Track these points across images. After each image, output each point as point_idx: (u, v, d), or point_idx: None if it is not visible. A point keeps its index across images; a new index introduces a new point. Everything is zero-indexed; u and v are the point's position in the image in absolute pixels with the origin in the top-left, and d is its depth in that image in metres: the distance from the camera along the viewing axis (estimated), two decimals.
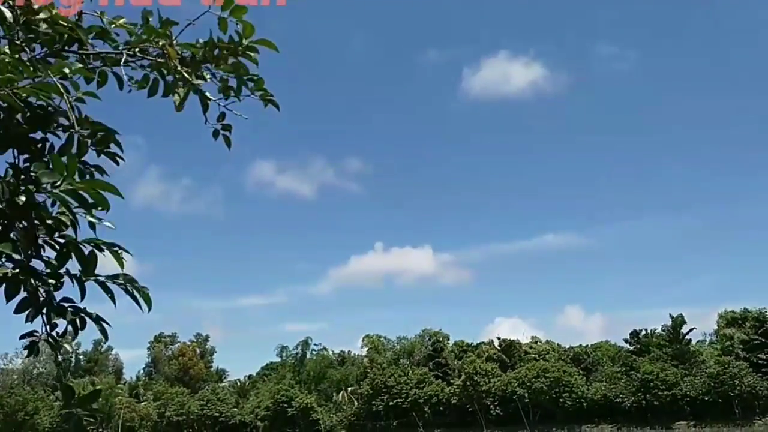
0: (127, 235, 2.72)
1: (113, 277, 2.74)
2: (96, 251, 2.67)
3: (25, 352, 2.80)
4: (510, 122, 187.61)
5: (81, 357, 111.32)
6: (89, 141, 2.95)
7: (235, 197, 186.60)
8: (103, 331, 2.83)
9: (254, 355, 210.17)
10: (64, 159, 2.53)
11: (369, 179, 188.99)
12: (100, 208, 2.56)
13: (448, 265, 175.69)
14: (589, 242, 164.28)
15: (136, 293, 2.76)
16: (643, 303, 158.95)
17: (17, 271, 2.59)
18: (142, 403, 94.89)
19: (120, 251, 2.71)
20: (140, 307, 2.79)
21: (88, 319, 2.80)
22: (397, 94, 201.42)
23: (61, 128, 2.87)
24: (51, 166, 2.51)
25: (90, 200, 2.50)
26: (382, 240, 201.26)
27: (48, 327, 2.74)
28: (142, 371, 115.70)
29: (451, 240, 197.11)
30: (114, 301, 2.78)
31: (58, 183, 2.43)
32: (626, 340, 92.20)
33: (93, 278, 2.70)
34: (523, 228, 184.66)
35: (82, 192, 2.45)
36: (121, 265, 2.71)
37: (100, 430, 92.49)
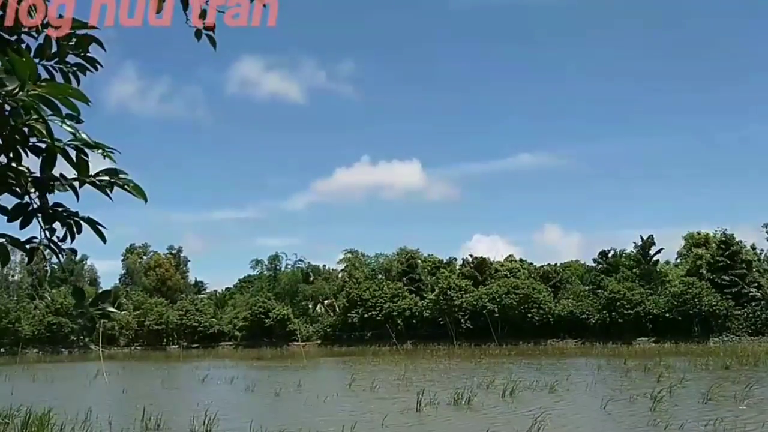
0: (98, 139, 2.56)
1: (102, 174, 2.61)
2: (83, 154, 2.52)
3: None
4: (509, 26, 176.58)
5: (56, 266, 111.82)
6: (67, 42, 2.78)
7: (216, 98, 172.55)
8: (100, 235, 2.74)
9: (229, 269, 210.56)
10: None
11: (362, 84, 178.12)
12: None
13: (431, 182, 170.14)
14: (568, 163, 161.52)
15: (127, 187, 2.64)
16: (620, 223, 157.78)
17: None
18: (122, 313, 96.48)
19: (108, 150, 2.58)
20: (143, 199, 2.67)
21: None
22: None
23: (35, 29, 2.73)
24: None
25: (60, 106, 2.34)
26: (368, 153, 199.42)
27: (47, 233, 2.68)
28: (118, 282, 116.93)
29: (437, 156, 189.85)
30: (109, 196, 2.62)
31: (16, 90, 2.22)
32: (595, 260, 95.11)
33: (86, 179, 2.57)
34: (500, 147, 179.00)
35: (48, 96, 2.28)
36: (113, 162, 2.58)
37: (81, 337, 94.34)
